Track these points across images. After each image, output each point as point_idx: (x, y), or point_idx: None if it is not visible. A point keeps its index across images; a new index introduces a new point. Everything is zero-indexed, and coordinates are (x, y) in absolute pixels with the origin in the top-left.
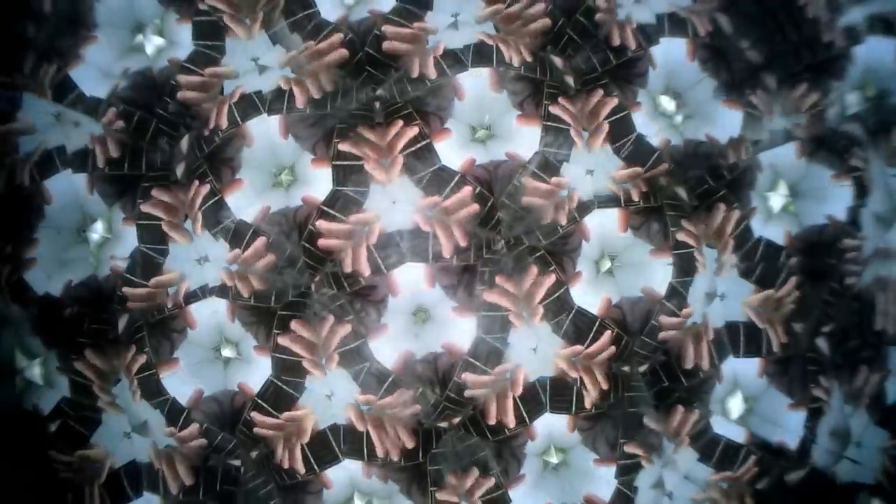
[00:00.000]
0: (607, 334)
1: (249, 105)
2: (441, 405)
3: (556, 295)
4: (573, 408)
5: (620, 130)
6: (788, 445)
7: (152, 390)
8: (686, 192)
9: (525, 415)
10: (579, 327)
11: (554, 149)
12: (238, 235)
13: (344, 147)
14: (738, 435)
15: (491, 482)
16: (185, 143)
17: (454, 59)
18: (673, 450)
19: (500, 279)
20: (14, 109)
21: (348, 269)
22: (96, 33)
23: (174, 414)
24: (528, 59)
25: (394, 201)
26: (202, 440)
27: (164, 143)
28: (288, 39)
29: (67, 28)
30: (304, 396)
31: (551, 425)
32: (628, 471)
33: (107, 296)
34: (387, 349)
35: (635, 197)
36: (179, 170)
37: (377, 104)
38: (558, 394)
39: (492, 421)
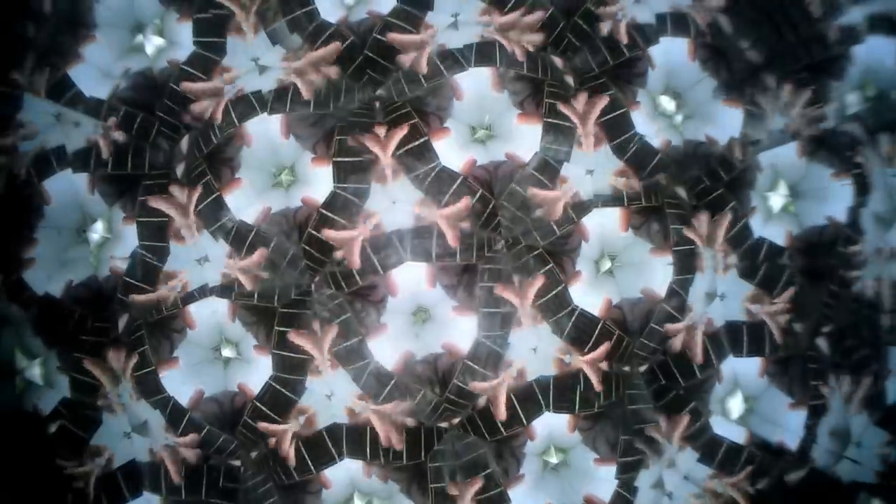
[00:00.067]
0: (605, 346)
1: (249, 105)
2: (441, 405)
3: (555, 295)
4: (576, 407)
5: (620, 130)
6: (788, 445)
7: (152, 390)
8: (686, 191)
9: (523, 415)
10: (579, 327)
11: (554, 149)
12: (239, 237)
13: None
14: (739, 435)
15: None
16: (185, 143)
17: (454, 60)
18: (673, 450)
19: (503, 281)
20: (15, 110)
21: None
22: (96, 33)
23: (175, 415)
24: (528, 54)
25: (394, 201)
26: (197, 451)
27: (165, 143)
28: (288, 40)
29: (67, 28)
30: (305, 397)
31: (551, 425)
32: (628, 470)
33: (107, 296)
34: (387, 349)
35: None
36: (179, 170)
37: (377, 104)
38: (560, 393)
39: (501, 417)
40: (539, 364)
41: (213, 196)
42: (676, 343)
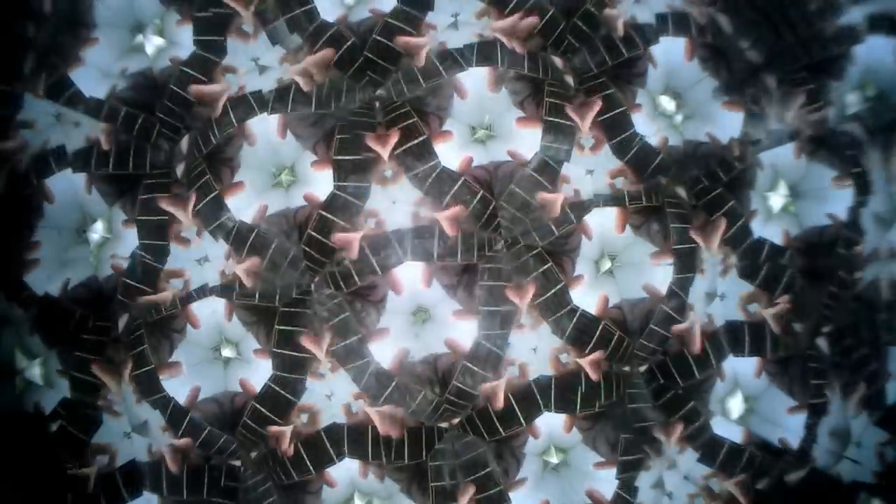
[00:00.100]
0: (598, 354)
1: (249, 105)
2: (441, 406)
3: (555, 295)
4: (577, 407)
5: (620, 131)
6: (788, 445)
7: (152, 390)
8: (686, 191)
9: (521, 415)
10: (580, 328)
11: (554, 148)
12: (240, 237)
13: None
14: (739, 435)
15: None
16: (185, 143)
17: (454, 60)
18: (674, 451)
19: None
20: (15, 110)
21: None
22: (96, 34)
23: (175, 415)
24: (528, 54)
25: (394, 201)
26: (197, 450)
27: (165, 143)
28: (288, 40)
29: (67, 28)
30: (305, 396)
31: (551, 425)
32: (629, 469)
33: (107, 296)
34: (387, 349)
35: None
36: (179, 170)
37: (377, 104)
38: (561, 393)
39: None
40: (539, 364)
41: (214, 196)
42: (678, 342)
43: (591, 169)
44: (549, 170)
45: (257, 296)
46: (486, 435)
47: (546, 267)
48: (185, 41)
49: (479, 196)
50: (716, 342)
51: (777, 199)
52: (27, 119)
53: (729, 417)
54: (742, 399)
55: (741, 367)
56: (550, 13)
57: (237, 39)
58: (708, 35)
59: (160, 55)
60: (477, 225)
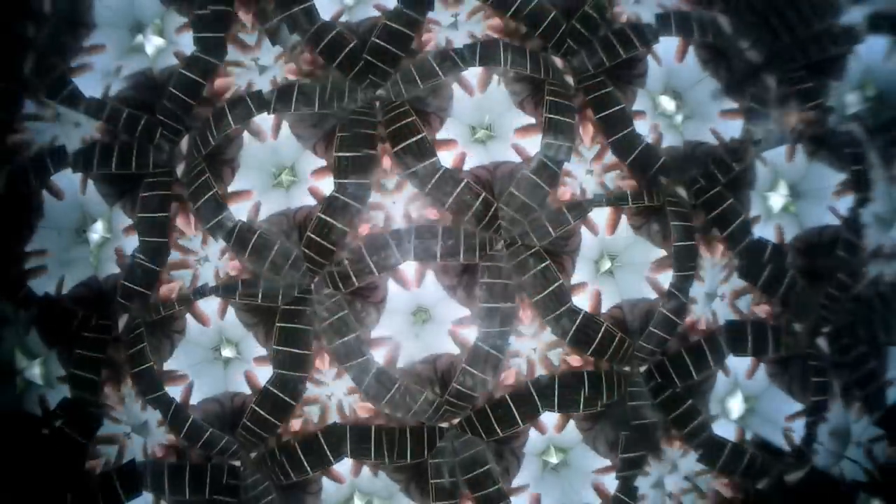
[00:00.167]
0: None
1: (250, 104)
2: (442, 406)
3: (554, 295)
4: (580, 406)
5: (620, 131)
6: (792, 442)
7: (151, 389)
8: (685, 190)
9: (519, 416)
10: (580, 328)
11: (554, 148)
12: (242, 239)
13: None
14: (738, 435)
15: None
16: (185, 143)
17: (453, 61)
18: (676, 454)
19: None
20: (15, 111)
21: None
22: (102, 41)
23: (176, 415)
24: (529, 54)
25: (394, 201)
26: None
27: (165, 143)
28: (288, 41)
29: (67, 28)
30: (305, 396)
31: (551, 425)
32: (630, 468)
33: (107, 296)
34: (387, 350)
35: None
36: (179, 170)
37: (377, 104)
38: (562, 393)
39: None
40: (539, 364)
41: (215, 198)
42: (678, 340)
43: (591, 169)
44: (549, 169)
45: (260, 296)
46: (484, 435)
47: (544, 265)
48: (185, 42)
49: (481, 198)
50: (714, 342)
51: (777, 199)
52: (32, 112)
53: (729, 417)
54: (742, 399)
55: (742, 367)
56: (553, 15)
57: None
58: (709, 35)
59: (160, 55)
60: (478, 226)
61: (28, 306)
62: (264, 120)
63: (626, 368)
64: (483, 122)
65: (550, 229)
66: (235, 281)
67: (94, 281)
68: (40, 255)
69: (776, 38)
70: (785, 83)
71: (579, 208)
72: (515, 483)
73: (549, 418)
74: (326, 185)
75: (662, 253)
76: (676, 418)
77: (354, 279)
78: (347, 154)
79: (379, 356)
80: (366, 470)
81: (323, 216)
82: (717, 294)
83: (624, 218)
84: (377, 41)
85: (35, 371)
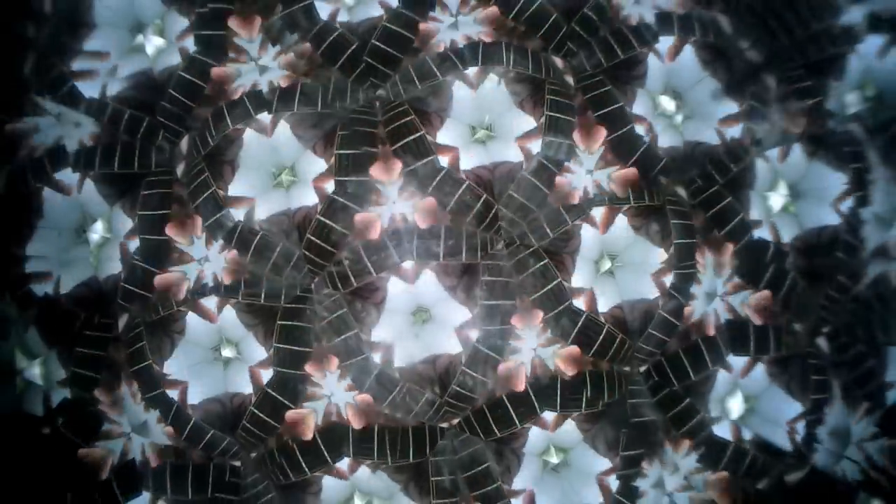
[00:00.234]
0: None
1: (250, 104)
2: (442, 406)
3: (554, 295)
4: (583, 406)
5: (619, 130)
6: (788, 445)
7: (151, 389)
8: (684, 190)
9: (516, 417)
10: (580, 328)
11: (554, 147)
12: (243, 240)
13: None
14: (738, 435)
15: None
16: (184, 143)
17: (454, 62)
18: (678, 457)
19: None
20: (15, 111)
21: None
22: (107, 51)
23: (177, 415)
24: (531, 54)
25: (394, 202)
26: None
27: (166, 143)
28: (288, 40)
29: (67, 28)
30: (306, 395)
31: (550, 419)
32: (630, 466)
33: (107, 296)
34: (387, 349)
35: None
36: (179, 169)
37: (377, 104)
38: (563, 394)
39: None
40: (539, 364)
41: (215, 201)
42: (679, 339)
43: (590, 169)
44: (549, 170)
45: (262, 296)
46: (482, 435)
47: (543, 263)
48: (185, 42)
49: (482, 199)
50: (712, 342)
51: (777, 199)
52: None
53: (729, 417)
54: (742, 399)
55: (741, 367)
56: (554, 17)
57: (237, 40)
58: (710, 34)
59: (160, 55)
60: (479, 227)
61: (28, 306)
62: (265, 117)
63: (627, 368)
64: (483, 122)
65: (549, 230)
66: (236, 281)
67: (95, 281)
68: (41, 259)
69: (775, 39)
70: (784, 82)
71: (579, 208)
72: (516, 483)
73: (549, 415)
74: (328, 186)
75: (664, 254)
76: (675, 417)
77: (353, 279)
78: (348, 152)
79: (377, 357)
80: (365, 469)
81: (322, 218)
82: (718, 294)
83: (624, 218)
84: (377, 43)
85: (35, 371)
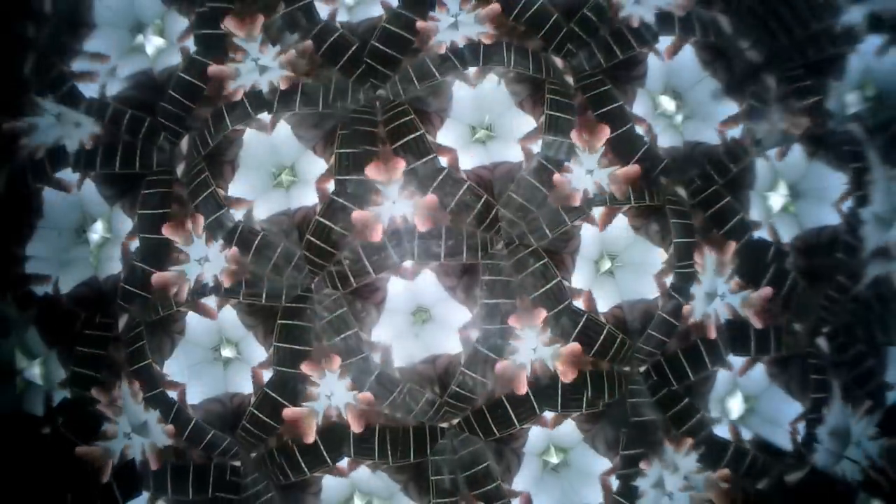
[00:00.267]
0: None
1: (250, 104)
2: (442, 407)
3: (554, 295)
4: (583, 406)
5: (619, 130)
6: (788, 445)
7: (151, 388)
8: (685, 190)
9: (515, 417)
10: (580, 329)
11: (555, 147)
12: (244, 240)
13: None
14: (738, 435)
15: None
16: (185, 143)
17: (454, 62)
18: (679, 457)
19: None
20: (15, 111)
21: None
22: (107, 53)
23: (177, 416)
24: (531, 54)
25: (394, 201)
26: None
27: (166, 143)
28: (288, 40)
29: (67, 28)
30: (305, 395)
31: (549, 418)
32: (630, 465)
33: (107, 296)
34: (386, 349)
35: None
36: (180, 169)
37: (377, 104)
38: (567, 393)
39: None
40: (539, 364)
41: (214, 197)
42: (679, 339)
43: (591, 169)
44: (549, 169)
45: (264, 296)
46: (482, 434)
47: (543, 262)
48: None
49: (482, 199)
50: (712, 343)
51: (777, 199)
52: (27, 119)
53: (729, 417)
54: (742, 399)
55: (741, 366)
56: (555, 17)
57: (238, 39)
58: (710, 34)
59: (160, 55)
60: (479, 227)
61: (28, 306)
62: (265, 117)
63: (627, 368)
64: (483, 122)
65: (548, 230)
66: (237, 282)
67: (95, 281)
68: (41, 259)
69: (775, 39)
70: (784, 82)
71: (579, 209)
72: (516, 484)
73: (549, 414)
74: (329, 186)
75: (664, 254)
76: (675, 417)
77: (353, 279)
78: (348, 151)
79: (377, 357)
80: (365, 469)
81: (322, 218)
82: (718, 294)
83: (624, 218)
84: (377, 44)
85: (35, 371)
